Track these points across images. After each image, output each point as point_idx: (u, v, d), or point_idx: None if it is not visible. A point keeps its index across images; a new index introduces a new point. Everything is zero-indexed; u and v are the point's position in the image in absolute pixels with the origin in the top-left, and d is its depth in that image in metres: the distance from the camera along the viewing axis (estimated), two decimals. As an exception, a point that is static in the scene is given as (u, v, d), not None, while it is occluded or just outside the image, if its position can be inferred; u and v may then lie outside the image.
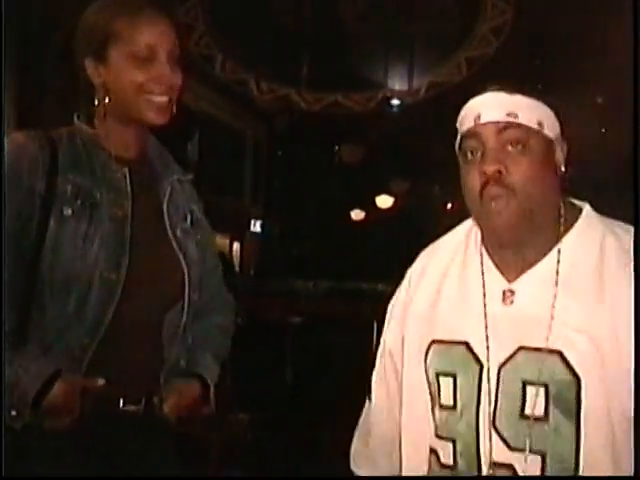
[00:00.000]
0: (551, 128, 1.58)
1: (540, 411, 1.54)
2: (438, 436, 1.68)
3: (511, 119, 1.54)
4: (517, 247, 1.60)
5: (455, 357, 1.64)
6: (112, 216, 1.98)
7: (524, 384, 1.55)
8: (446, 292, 1.71)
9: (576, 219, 1.62)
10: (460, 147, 1.62)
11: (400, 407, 1.76)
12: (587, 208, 1.64)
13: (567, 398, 1.52)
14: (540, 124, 1.57)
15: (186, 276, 2.06)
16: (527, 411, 1.55)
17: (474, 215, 1.63)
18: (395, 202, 12.54)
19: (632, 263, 1.52)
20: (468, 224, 1.74)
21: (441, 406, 1.67)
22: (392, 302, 1.86)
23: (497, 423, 1.58)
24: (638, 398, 1.46)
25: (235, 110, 10.76)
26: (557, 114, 1.61)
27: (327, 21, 9.02)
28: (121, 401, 1.99)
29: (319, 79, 8.94)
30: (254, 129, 11.45)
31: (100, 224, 1.95)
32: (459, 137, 1.63)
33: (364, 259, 11.27)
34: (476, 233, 1.71)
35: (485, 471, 1.58)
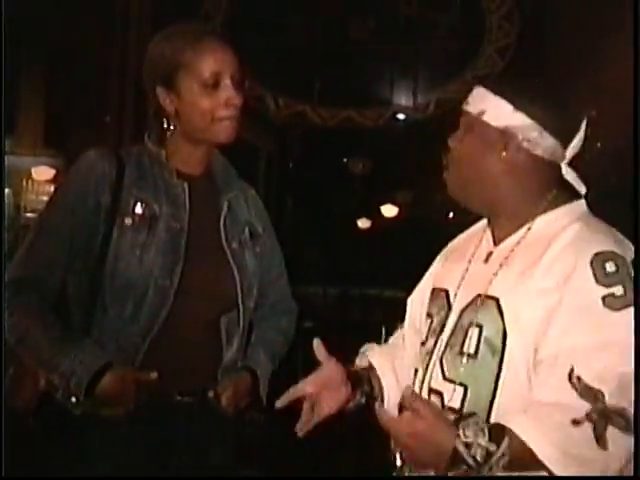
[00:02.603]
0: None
1: (472, 349, 1.72)
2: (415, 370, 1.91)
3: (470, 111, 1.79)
4: (511, 215, 1.79)
5: (437, 302, 1.88)
6: (169, 228, 2.06)
7: (469, 325, 1.74)
8: (454, 255, 1.96)
9: (558, 206, 1.78)
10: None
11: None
12: (579, 202, 1.80)
13: (495, 340, 1.68)
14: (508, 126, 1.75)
15: (238, 285, 2.12)
16: (464, 348, 1.73)
17: None
18: (400, 211, 12.49)
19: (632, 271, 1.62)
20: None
21: (421, 343, 1.90)
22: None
23: (443, 357, 1.78)
24: (638, 398, 1.51)
25: (250, 124, 10.74)
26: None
27: (339, 40, 9.04)
28: (176, 394, 2.06)
29: (333, 96, 8.95)
30: (267, 142, 11.43)
31: (157, 235, 2.04)
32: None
33: (370, 266, 11.25)
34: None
35: (423, 395, 1.78)
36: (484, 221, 1.94)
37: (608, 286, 1.58)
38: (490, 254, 1.82)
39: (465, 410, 1.70)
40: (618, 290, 1.58)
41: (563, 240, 1.69)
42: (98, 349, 1.99)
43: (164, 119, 2.11)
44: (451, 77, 8.67)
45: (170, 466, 2.09)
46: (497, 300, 1.71)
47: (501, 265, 1.76)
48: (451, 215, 12.69)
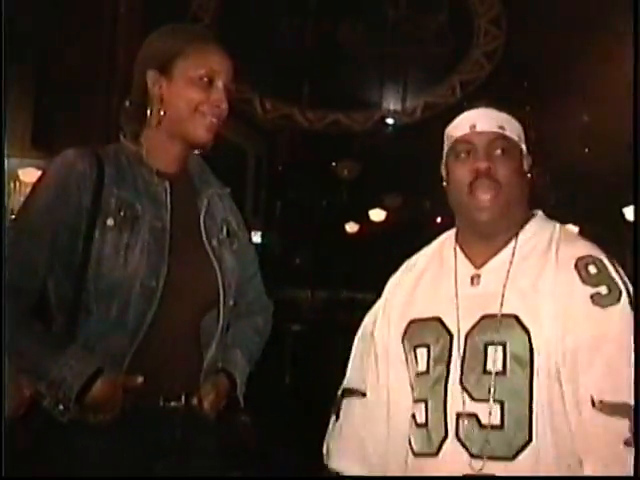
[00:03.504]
0: (522, 141, 1.88)
1: (499, 366, 1.77)
2: (415, 400, 1.89)
3: (501, 131, 1.82)
4: (489, 237, 1.86)
5: (429, 330, 1.87)
6: (152, 227, 2.03)
7: (485, 345, 1.78)
8: (423, 284, 1.95)
9: (530, 218, 1.88)
10: (451, 149, 1.87)
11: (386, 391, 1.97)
12: (539, 212, 1.91)
13: (522, 354, 1.75)
14: (519, 137, 1.87)
15: (220, 283, 2.10)
16: (488, 367, 1.77)
17: (459, 208, 1.86)
18: (388, 216, 12.50)
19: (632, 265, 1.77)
20: (442, 236, 1.99)
21: (417, 374, 1.89)
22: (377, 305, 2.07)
23: (464, 380, 1.79)
24: (638, 397, 1.62)
25: (238, 127, 10.78)
26: (525, 131, 1.91)
27: (328, 44, 9.02)
28: (161, 398, 2.02)
29: (321, 99, 8.92)
30: (255, 145, 11.44)
31: (140, 235, 2.01)
32: (452, 141, 1.88)
33: (358, 269, 11.26)
34: (450, 236, 1.96)
35: (449, 422, 1.79)
36: (434, 247, 2.00)
37: (594, 286, 1.74)
38: (476, 277, 1.86)
39: (507, 425, 1.76)
40: (603, 290, 1.73)
41: (554, 251, 1.81)
42: (87, 354, 1.96)
43: (147, 107, 2.08)
44: (439, 81, 8.66)
45: (155, 470, 2.06)
46: (516, 317, 1.78)
47: (504, 285, 1.81)
48: (439, 219, 12.73)
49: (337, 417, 2.03)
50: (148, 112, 2.08)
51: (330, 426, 2.04)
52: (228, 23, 8.33)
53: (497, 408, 1.77)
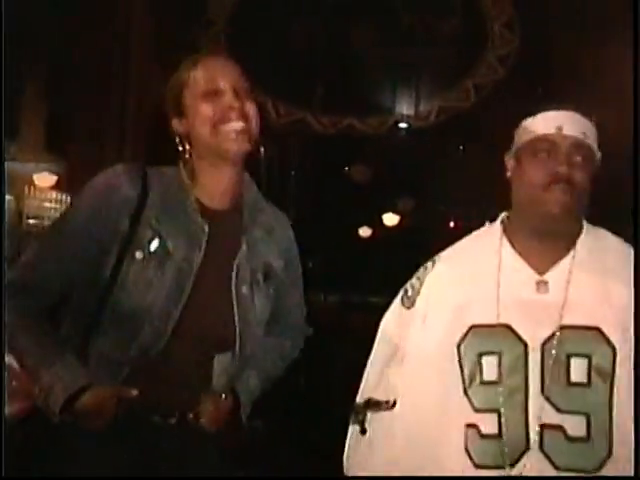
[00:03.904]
0: (597, 151, 1.90)
1: (583, 378, 1.76)
2: (477, 410, 1.81)
3: (583, 137, 1.84)
4: (553, 237, 1.85)
5: (499, 338, 1.81)
6: (179, 269, 2.01)
7: (568, 357, 1.77)
8: (474, 287, 1.89)
9: (582, 225, 1.90)
10: (529, 143, 1.87)
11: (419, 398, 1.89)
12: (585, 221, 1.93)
13: (606, 367, 1.75)
14: (596, 146, 1.88)
15: (237, 332, 2.07)
16: (573, 379, 1.76)
17: (528, 204, 1.86)
18: (401, 220, 12.47)
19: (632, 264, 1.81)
20: (479, 235, 1.99)
21: (482, 382, 1.82)
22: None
23: (546, 391, 1.76)
24: (638, 397, 1.67)
25: None
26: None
27: (342, 48, 9.00)
28: (156, 412, 2.02)
29: (334, 103, 8.90)
30: (268, 149, 11.44)
31: (165, 274, 1.99)
32: (532, 136, 1.86)
33: (371, 274, 11.22)
34: (495, 236, 1.93)
35: (532, 434, 1.75)
36: (475, 247, 1.97)
37: None
38: (542, 283, 1.84)
39: (592, 437, 1.75)
40: None
41: (613, 257, 1.86)
42: (79, 367, 1.97)
43: (181, 145, 2.09)
44: (452, 85, 8.62)
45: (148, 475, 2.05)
46: (599, 330, 1.78)
47: (572, 293, 1.81)
48: (452, 224, 12.71)
49: (363, 430, 1.94)
50: (182, 149, 2.09)
51: (352, 438, 1.97)
52: (242, 28, 8.35)
53: (583, 420, 1.75)
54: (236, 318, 2.07)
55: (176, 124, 2.08)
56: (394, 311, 2.00)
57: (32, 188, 8.79)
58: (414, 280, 1.98)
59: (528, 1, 8.17)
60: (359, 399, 1.98)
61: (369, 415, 1.95)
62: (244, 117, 2.03)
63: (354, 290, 10.86)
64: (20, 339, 1.98)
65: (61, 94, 8.65)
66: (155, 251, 1.99)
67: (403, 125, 9.55)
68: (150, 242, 2.00)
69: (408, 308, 1.97)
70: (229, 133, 2.02)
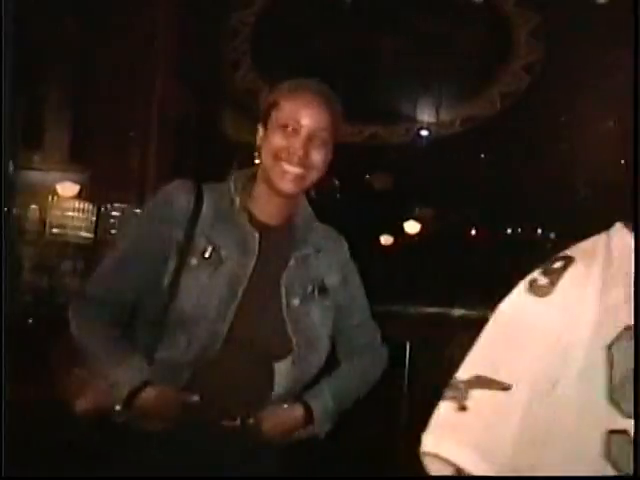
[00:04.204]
0: None
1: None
2: (629, 416, 1.67)
3: None
4: None
5: (622, 341, 1.66)
6: (232, 274, 2.13)
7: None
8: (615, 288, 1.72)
9: None
10: None
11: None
12: None
13: None
14: None
15: (293, 340, 2.16)
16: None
17: None
18: (422, 228, 12.44)
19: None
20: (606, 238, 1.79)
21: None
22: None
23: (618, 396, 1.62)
24: (637, 397, 1.54)
25: None
26: None
27: (366, 56, 8.98)
28: (218, 418, 2.12)
29: (357, 112, 8.88)
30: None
31: (218, 279, 2.11)
32: None
33: (393, 282, 11.19)
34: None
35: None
36: (602, 249, 1.85)
37: None
38: None
39: None
40: None
41: None
42: (145, 365, 2.11)
43: (257, 154, 2.20)
44: (478, 93, 8.58)
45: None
46: None
47: None
48: (473, 232, 12.69)
49: (462, 407, 1.84)
50: (255, 160, 2.19)
51: (445, 412, 1.83)
52: (267, 36, 8.35)
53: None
54: (288, 328, 2.16)
55: (259, 134, 2.18)
56: (519, 295, 1.85)
57: (56, 197, 8.81)
58: (541, 271, 1.82)
59: (555, 9, 8.12)
60: (462, 375, 1.88)
61: (472, 392, 1.87)
62: (306, 165, 2.11)
63: (376, 299, 10.77)
64: (92, 346, 2.13)
65: (86, 104, 8.66)
66: (209, 258, 2.11)
67: (427, 133, 9.52)
68: (204, 250, 2.12)
69: (539, 296, 1.82)
70: (286, 173, 2.10)
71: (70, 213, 8.83)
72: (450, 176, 10.04)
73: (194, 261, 2.12)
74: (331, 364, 2.35)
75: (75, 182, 8.78)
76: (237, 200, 2.20)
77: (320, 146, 2.13)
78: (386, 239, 12.82)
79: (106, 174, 8.18)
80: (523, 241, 10.61)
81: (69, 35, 7.86)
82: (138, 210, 5.97)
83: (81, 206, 8.83)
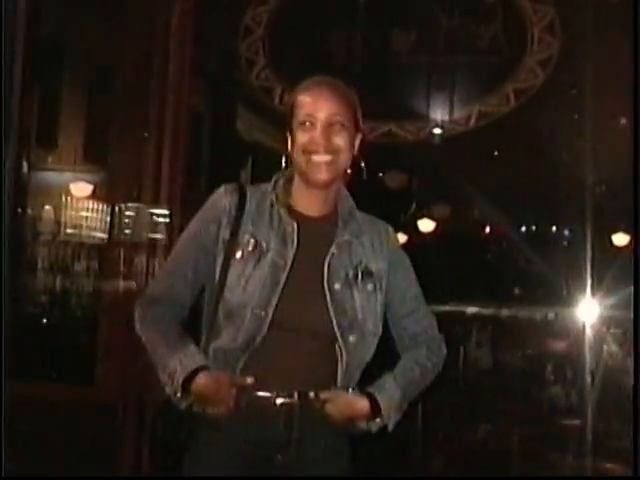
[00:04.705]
0: None
1: None
2: None
3: None
4: None
5: None
6: (273, 263, 2.35)
7: None
8: None
9: None
10: None
11: None
12: None
13: None
14: None
15: (334, 322, 2.35)
16: None
17: None
18: (437, 226, 12.39)
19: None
20: None
21: None
22: None
23: None
24: (637, 397, 1.62)
25: (283, 138, 10.61)
26: None
27: (381, 52, 8.93)
28: (274, 395, 2.32)
29: (372, 109, 8.84)
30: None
31: (261, 268, 2.34)
32: None
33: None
34: None
35: None
36: None
37: None
38: None
39: None
40: None
41: None
42: (199, 354, 2.34)
43: (285, 159, 2.50)
44: (492, 90, 8.52)
45: (274, 461, 2.33)
46: None
47: None
48: (487, 229, 12.64)
49: None
50: (285, 165, 2.53)
51: None
52: (280, 34, 8.32)
53: None
54: (331, 312, 2.34)
55: (287, 139, 2.47)
56: None
57: (69, 198, 8.81)
58: None
59: (570, 3, 8.07)
60: None
61: None
62: (331, 150, 2.35)
63: None
64: (151, 343, 2.35)
65: (100, 105, 8.66)
66: (252, 250, 2.36)
67: (441, 130, 9.48)
68: (247, 244, 2.38)
69: None
70: (313, 164, 2.35)
71: (84, 213, 8.85)
72: (464, 173, 9.98)
73: (239, 255, 2.35)
74: (394, 359, 2.48)
75: (88, 182, 8.77)
76: (274, 197, 2.43)
77: (340, 130, 2.36)
78: (400, 238, 12.77)
79: (120, 174, 8.15)
80: (538, 238, 10.56)
81: (84, 33, 7.86)
82: (152, 210, 5.96)
83: (95, 206, 8.82)
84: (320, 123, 2.34)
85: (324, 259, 2.39)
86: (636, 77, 1.66)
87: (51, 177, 8.54)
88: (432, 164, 11.09)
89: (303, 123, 2.36)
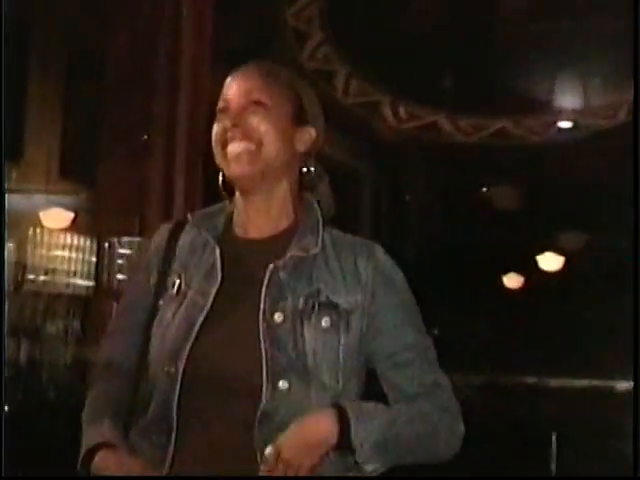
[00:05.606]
0: None
1: None
2: None
3: None
4: None
5: None
6: (193, 304, 2.40)
7: None
8: None
9: None
10: None
11: None
12: None
13: None
14: None
15: (264, 365, 2.31)
16: None
17: None
18: (566, 263, 12.19)
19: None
20: None
21: None
22: None
23: None
24: (637, 397, 2.09)
25: (350, 143, 10.89)
26: None
27: (480, 23, 8.74)
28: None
29: (474, 101, 8.64)
30: (375, 167, 11.29)
31: (179, 313, 2.40)
32: None
33: (525, 343, 10.93)
34: None
35: None
36: None
37: None
38: None
39: None
40: None
41: None
42: (111, 426, 2.38)
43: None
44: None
45: None
46: None
47: None
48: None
49: None
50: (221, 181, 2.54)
51: None
52: (345, 8, 8.21)
53: None
54: (263, 352, 2.31)
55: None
56: None
57: (39, 230, 8.71)
58: None
59: None
60: None
61: None
62: (250, 136, 2.38)
63: (502, 368, 10.63)
64: (86, 407, 2.46)
65: (82, 100, 8.60)
66: (176, 292, 2.43)
67: (571, 126, 9.21)
68: (172, 286, 2.45)
69: None
70: (236, 156, 2.38)
71: (59, 252, 8.72)
72: (607, 187, 9.75)
73: (162, 302, 2.44)
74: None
75: (66, 208, 8.72)
76: (222, 220, 2.54)
77: (258, 111, 2.39)
78: (512, 279, 12.64)
79: (110, 195, 8.03)
80: None
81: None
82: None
83: (75, 242, 8.72)
84: (233, 105, 2.41)
85: (261, 288, 2.38)
86: (636, 77, 1.74)
87: (14, 201, 8.35)
88: (559, 173, 10.89)
89: (219, 112, 2.44)
